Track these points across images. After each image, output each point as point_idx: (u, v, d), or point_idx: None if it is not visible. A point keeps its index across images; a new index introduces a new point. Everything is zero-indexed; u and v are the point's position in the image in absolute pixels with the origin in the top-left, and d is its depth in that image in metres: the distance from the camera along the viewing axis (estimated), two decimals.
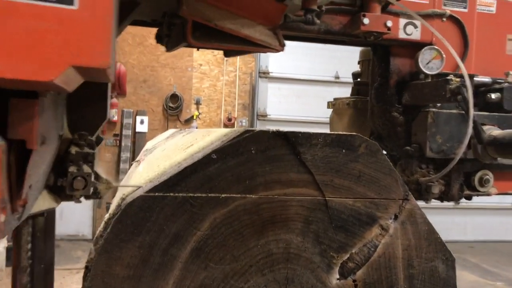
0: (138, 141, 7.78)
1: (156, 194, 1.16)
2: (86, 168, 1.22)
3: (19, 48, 0.72)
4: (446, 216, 8.74)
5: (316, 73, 8.16)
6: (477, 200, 7.25)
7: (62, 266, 6.03)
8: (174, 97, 7.91)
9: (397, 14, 1.66)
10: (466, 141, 1.54)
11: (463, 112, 1.62)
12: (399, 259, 1.27)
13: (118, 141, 7.74)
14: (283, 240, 1.22)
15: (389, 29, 1.58)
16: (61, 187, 1.20)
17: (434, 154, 1.60)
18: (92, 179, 1.23)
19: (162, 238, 1.16)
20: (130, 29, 7.80)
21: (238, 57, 8.15)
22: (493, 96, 1.69)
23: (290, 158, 1.22)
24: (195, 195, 1.17)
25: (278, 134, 1.21)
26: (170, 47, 1.61)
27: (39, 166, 1.04)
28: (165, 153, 1.64)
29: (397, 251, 1.27)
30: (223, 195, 1.19)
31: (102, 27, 0.78)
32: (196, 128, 7.83)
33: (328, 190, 1.24)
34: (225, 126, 8.14)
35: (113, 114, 7.66)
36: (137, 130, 7.75)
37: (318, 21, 1.47)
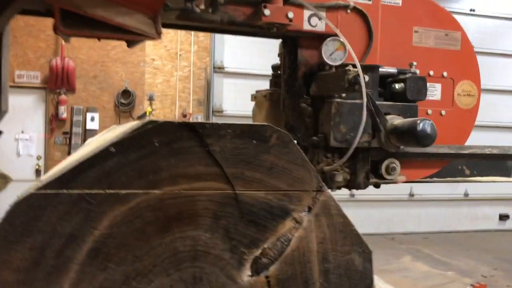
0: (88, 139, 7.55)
1: (48, 191, 1.07)
2: None
3: None
4: (402, 208, 8.92)
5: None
6: (430, 192, 7.42)
7: None
8: (126, 93, 7.72)
9: (301, 6, 1.66)
10: (360, 130, 1.54)
11: (370, 102, 1.63)
12: (314, 253, 1.22)
13: (68, 139, 7.49)
14: (190, 237, 1.15)
15: (291, 20, 1.58)
16: None
17: (338, 143, 1.59)
18: None
19: (55, 239, 1.07)
20: None
21: (192, 52, 8.03)
22: (397, 86, 1.70)
23: (198, 150, 1.15)
24: (92, 191, 1.09)
25: (184, 125, 1.14)
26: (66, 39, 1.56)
27: None
28: (83, 149, 1.54)
29: (311, 244, 1.22)
30: (123, 192, 1.11)
31: None
32: None
33: (238, 183, 1.18)
34: None
35: (63, 111, 7.41)
36: (87, 127, 7.53)
37: (198, 10, 1.46)
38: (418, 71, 1.75)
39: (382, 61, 1.77)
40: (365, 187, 1.72)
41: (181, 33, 7.93)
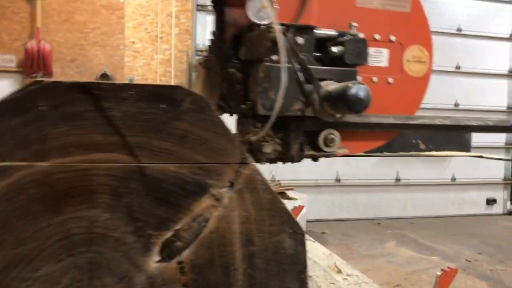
0: None
1: None
2: None
3: None
4: (388, 193, 8.81)
5: None
6: (417, 176, 7.30)
7: None
8: (105, 77, 7.49)
9: None
10: (280, 97, 1.37)
11: (301, 66, 1.45)
12: (236, 235, 1.06)
13: None
14: (86, 217, 0.99)
15: None
16: None
17: (266, 111, 1.41)
18: None
19: None
20: (55, 5, 7.31)
21: (173, 34, 7.81)
22: (333, 49, 1.52)
23: (94, 115, 0.98)
24: None
25: (76, 85, 0.97)
26: None
27: None
28: None
29: (233, 225, 1.06)
30: (2, 164, 0.94)
31: None
32: None
33: (144, 154, 1.01)
34: None
35: None
36: None
37: None
38: (359, 34, 1.56)
39: (321, 22, 1.58)
40: (299, 159, 1.54)
41: (161, 15, 7.70)
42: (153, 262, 1.02)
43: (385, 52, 1.70)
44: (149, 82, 7.76)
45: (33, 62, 7.06)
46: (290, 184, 7.54)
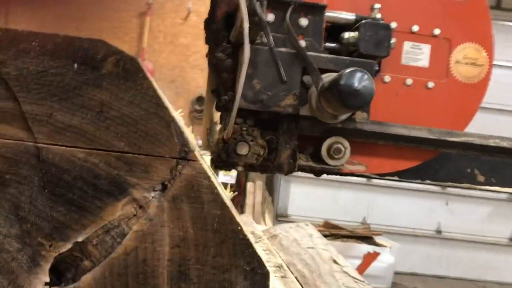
0: None
1: None
2: None
3: None
4: (499, 253, 7.68)
5: None
6: None
7: None
8: (201, 100, 7.57)
9: None
10: (240, 82, 1.06)
11: (296, 51, 1.13)
12: (163, 262, 0.73)
13: None
14: None
15: None
16: None
17: (248, 104, 1.11)
18: None
19: None
20: (162, 27, 7.62)
21: None
22: (346, 35, 1.20)
23: None
24: None
25: None
26: None
27: None
28: None
29: (160, 247, 0.72)
30: None
31: None
32: None
33: (43, 130, 0.73)
34: None
35: None
36: None
37: None
38: (381, 17, 1.22)
39: (342, 5, 1.26)
40: (289, 170, 1.17)
41: None
42: (40, 284, 0.72)
43: (425, 48, 1.34)
44: None
45: None
46: (381, 230, 6.88)
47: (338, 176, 1.56)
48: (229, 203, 0.75)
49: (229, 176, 6.41)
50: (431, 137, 1.30)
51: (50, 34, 0.73)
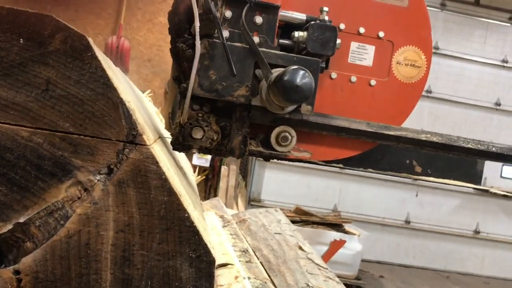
0: None
1: None
2: None
3: None
4: (464, 245, 7.89)
5: None
6: (500, 231, 6.44)
7: None
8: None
9: None
10: (193, 73, 1.18)
11: (249, 47, 1.26)
12: (107, 247, 0.71)
13: None
14: None
15: None
16: None
17: (204, 93, 1.21)
18: None
19: None
20: (141, 5, 7.47)
21: None
22: (296, 34, 1.33)
23: None
24: None
25: None
26: None
27: None
28: None
29: (104, 231, 0.71)
30: None
31: None
32: None
33: None
34: None
35: None
36: None
37: None
38: (328, 19, 1.35)
39: (295, 6, 1.38)
40: (241, 155, 1.28)
41: None
42: None
43: (370, 49, 1.49)
44: None
45: (111, 58, 7.22)
46: (352, 218, 6.97)
47: (311, 164, 1.69)
48: (180, 190, 0.73)
49: (203, 159, 6.38)
50: (369, 130, 1.43)
51: None
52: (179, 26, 1.35)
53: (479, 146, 1.61)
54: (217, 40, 1.21)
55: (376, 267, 7.26)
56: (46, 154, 0.70)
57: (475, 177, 1.51)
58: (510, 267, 7.86)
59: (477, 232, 7.84)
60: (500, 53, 7.83)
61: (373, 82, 1.50)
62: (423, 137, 1.53)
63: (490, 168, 7.53)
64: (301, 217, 6.25)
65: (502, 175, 7.89)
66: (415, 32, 1.54)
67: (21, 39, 0.70)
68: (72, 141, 0.71)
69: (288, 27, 1.38)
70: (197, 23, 1.18)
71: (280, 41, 1.37)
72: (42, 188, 0.70)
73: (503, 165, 7.93)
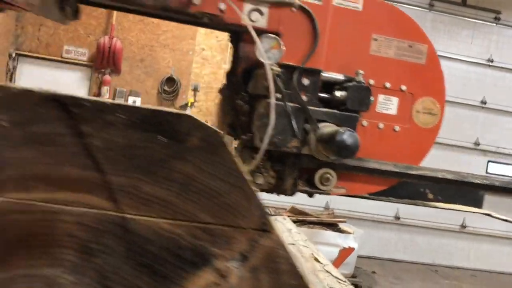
0: None
1: None
2: None
3: None
4: (450, 239, 8.12)
5: None
6: (485, 226, 6.65)
7: None
8: (171, 81, 7.47)
9: None
10: (268, 133, 1.45)
11: (301, 106, 1.54)
12: None
13: None
14: (42, 278, 0.73)
15: (222, 11, 1.53)
16: None
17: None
18: None
19: None
20: None
21: None
22: (337, 93, 1.60)
23: (70, 141, 0.73)
24: None
25: (51, 98, 0.72)
26: None
27: None
28: None
29: None
30: None
31: None
32: None
33: (128, 202, 0.74)
34: None
35: (105, 92, 7.27)
36: None
37: None
38: (366, 80, 1.65)
39: (331, 66, 1.64)
40: (291, 193, 1.59)
41: None
42: None
43: (394, 100, 1.75)
44: (214, 91, 7.66)
45: (104, 58, 7.16)
46: (344, 215, 7.10)
47: None
48: (304, 271, 0.79)
49: None
50: (396, 170, 1.69)
51: (136, 107, 0.74)
52: (237, 85, 1.63)
53: (484, 181, 1.87)
54: (275, 101, 1.47)
55: (368, 262, 7.43)
56: (186, 244, 0.75)
57: (478, 201, 1.85)
58: (494, 260, 8.14)
59: (463, 226, 8.08)
60: (486, 52, 8.03)
61: (397, 128, 1.75)
62: (439, 175, 1.80)
63: (477, 166, 7.77)
64: (298, 217, 6.35)
65: (488, 171, 8.13)
66: (431, 85, 1.79)
67: (161, 137, 0.74)
68: (210, 231, 0.75)
69: (327, 83, 1.63)
70: (272, 93, 1.44)
71: (320, 94, 1.62)
72: (182, 277, 0.75)
73: (488, 162, 8.17)
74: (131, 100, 7.35)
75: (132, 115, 0.73)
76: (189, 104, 7.43)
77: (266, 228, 0.77)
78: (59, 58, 7.22)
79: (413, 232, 8.00)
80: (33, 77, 7.32)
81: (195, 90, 7.52)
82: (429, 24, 7.91)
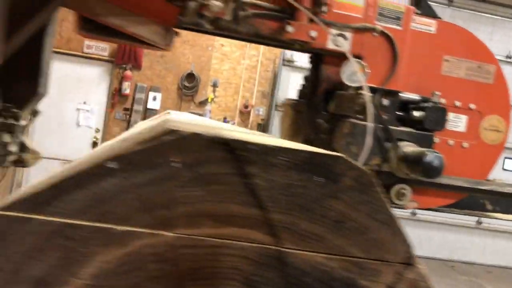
0: (148, 118, 7.42)
1: (16, 214, 0.75)
2: (5, 138, 1.26)
3: None
4: (466, 235, 8.18)
5: None
6: (502, 222, 6.70)
7: None
8: (191, 77, 7.52)
9: (327, 24, 1.68)
10: (364, 153, 1.54)
11: (382, 126, 1.66)
12: None
13: (128, 116, 7.41)
14: None
15: (313, 39, 1.61)
16: None
17: None
18: (14, 148, 1.25)
19: (18, 284, 0.75)
20: None
21: None
22: (415, 113, 1.72)
23: (233, 180, 0.79)
24: (76, 222, 0.75)
25: (218, 141, 0.78)
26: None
27: None
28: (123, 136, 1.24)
29: None
30: (120, 228, 0.76)
31: None
32: (210, 112, 7.44)
33: (287, 237, 0.80)
34: (241, 113, 7.73)
35: (126, 87, 7.34)
36: (148, 106, 7.41)
37: (209, 26, 1.54)
38: (440, 101, 1.76)
39: (407, 87, 1.76)
40: None
41: None
42: None
43: (463, 118, 1.84)
44: (232, 86, 7.70)
45: (125, 54, 7.21)
46: None
47: None
48: None
49: None
50: (467, 185, 1.80)
51: (296, 150, 0.79)
52: (319, 105, 1.73)
53: None
54: (357, 122, 1.58)
55: None
56: (338, 276, 0.81)
57: None
58: (510, 256, 8.20)
59: (479, 222, 8.13)
60: (505, 49, 8.02)
61: (465, 145, 1.84)
62: (506, 190, 1.90)
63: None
64: None
65: (504, 168, 8.16)
66: (498, 103, 1.89)
67: (318, 177, 0.79)
68: (359, 265, 0.81)
69: (403, 102, 1.74)
70: (370, 118, 1.54)
71: (397, 112, 1.72)
72: None
73: (505, 158, 8.20)
74: (152, 95, 7.42)
75: (292, 157, 0.79)
76: (209, 100, 7.49)
77: (410, 262, 0.83)
78: (80, 54, 7.28)
79: (429, 228, 8.07)
80: (54, 72, 7.39)
81: (214, 86, 7.57)
82: (448, 20, 7.90)
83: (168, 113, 1.89)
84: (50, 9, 1.35)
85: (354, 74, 1.62)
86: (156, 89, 7.46)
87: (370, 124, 1.56)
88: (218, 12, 1.53)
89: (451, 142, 1.83)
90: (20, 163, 1.30)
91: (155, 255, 0.77)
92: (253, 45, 7.71)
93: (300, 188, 0.79)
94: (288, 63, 7.59)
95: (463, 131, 1.86)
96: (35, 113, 1.46)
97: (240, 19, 1.59)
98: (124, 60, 7.23)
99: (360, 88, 1.64)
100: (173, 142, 0.77)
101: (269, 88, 7.79)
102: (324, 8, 1.62)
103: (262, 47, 7.67)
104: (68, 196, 0.75)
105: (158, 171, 0.77)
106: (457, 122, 1.85)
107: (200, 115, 6.19)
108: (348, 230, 0.81)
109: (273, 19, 1.63)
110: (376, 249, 0.82)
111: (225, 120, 7.32)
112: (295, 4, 1.58)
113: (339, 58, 1.71)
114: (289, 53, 7.62)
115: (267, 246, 0.80)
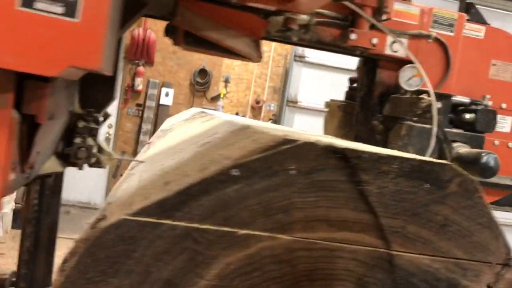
0: (161, 114, 7.45)
1: (146, 219, 0.79)
2: (89, 141, 1.32)
3: (31, 49, 0.85)
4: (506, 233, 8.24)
5: (354, 63, 7.66)
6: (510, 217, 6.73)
7: (69, 235, 5.81)
8: (203, 72, 7.54)
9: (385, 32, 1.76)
10: (428, 155, 1.58)
11: (438, 128, 1.70)
12: None
13: (140, 112, 7.44)
14: None
15: (374, 45, 1.70)
16: (67, 155, 1.29)
17: None
18: (95, 150, 1.31)
19: (148, 285, 0.79)
20: None
21: None
22: (467, 116, 1.78)
23: (346, 187, 0.83)
24: (202, 227, 0.80)
25: (332, 150, 0.82)
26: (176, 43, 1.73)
27: (47, 137, 1.14)
28: (175, 146, 1.28)
29: None
30: (242, 231, 0.81)
31: (95, 36, 0.89)
32: (222, 108, 7.47)
33: (396, 240, 0.85)
34: (253, 108, 7.76)
35: (139, 83, 7.35)
36: (161, 102, 7.42)
37: (295, 39, 1.69)
38: (490, 104, 1.84)
39: (457, 90, 1.84)
40: None
41: None
42: None
43: (509, 119, 1.93)
44: (244, 82, 7.73)
45: (137, 49, 7.22)
46: None
47: None
48: None
49: None
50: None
51: (406, 158, 0.83)
52: (374, 107, 1.82)
53: None
54: (414, 124, 1.65)
55: None
56: (442, 277, 0.86)
57: None
58: None
59: None
60: None
61: (510, 145, 1.94)
62: None
63: None
64: None
65: None
66: None
67: (426, 184, 0.84)
68: (462, 266, 0.86)
69: (453, 105, 1.82)
70: (435, 122, 1.61)
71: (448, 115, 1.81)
72: None
73: None
74: (164, 91, 7.44)
75: (403, 165, 0.83)
76: (221, 96, 7.52)
77: (509, 263, 0.87)
78: None
79: None
80: None
81: (226, 81, 7.59)
82: None
83: (204, 112, 1.93)
84: (135, 19, 1.40)
85: (411, 78, 1.71)
86: (168, 85, 7.47)
87: (434, 128, 1.62)
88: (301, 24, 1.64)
89: (496, 142, 1.92)
90: (98, 164, 1.34)
91: (273, 257, 0.82)
92: (264, 41, 7.73)
93: (409, 194, 0.84)
94: (300, 58, 7.61)
95: (508, 132, 1.95)
96: (106, 116, 1.52)
97: (307, 28, 1.69)
98: (136, 56, 7.24)
99: (417, 92, 1.70)
100: (290, 150, 0.82)
101: (280, 83, 7.81)
102: (384, 16, 1.68)
103: (273, 43, 7.69)
104: (195, 202, 0.80)
105: (277, 178, 0.81)
106: (502, 123, 1.94)
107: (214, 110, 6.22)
108: (451, 233, 0.86)
109: (336, 26, 1.72)
110: (478, 251, 0.86)
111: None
112: (362, 13, 1.63)
113: (395, 63, 1.79)
114: (300, 49, 7.63)
115: (378, 249, 0.84)
